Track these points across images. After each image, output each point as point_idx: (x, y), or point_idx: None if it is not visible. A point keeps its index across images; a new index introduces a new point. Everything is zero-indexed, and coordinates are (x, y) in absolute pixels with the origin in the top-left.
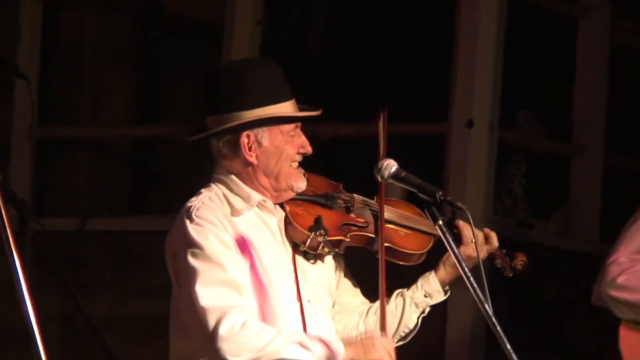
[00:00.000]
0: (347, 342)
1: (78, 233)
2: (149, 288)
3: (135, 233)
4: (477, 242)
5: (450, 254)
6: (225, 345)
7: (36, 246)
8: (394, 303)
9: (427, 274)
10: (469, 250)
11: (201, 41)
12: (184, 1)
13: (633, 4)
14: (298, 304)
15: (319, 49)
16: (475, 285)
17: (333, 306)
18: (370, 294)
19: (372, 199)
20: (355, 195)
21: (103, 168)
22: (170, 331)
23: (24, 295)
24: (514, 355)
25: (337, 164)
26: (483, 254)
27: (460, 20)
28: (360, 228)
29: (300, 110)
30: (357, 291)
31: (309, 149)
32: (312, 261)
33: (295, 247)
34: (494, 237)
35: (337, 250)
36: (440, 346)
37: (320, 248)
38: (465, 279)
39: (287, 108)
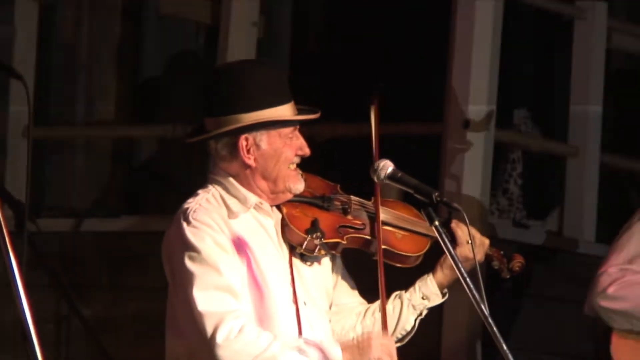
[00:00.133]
0: (344, 345)
1: (74, 233)
2: (145, 288)
3: (132, 233)
4: (473, 242)
5: (446, 256)
6: (222, 352)
7: (32, 246)
8: (392, 305)
9: (425, 276)
10: (465, 251)
11: (197, 42)
12: (179, 1)
13: (628, 5)
14: (294, 307)
15: (316, 49)
16: (471, 285)
17: (330, 307)
18: (367, 294)
19: (369, 200)
20: (352, 197)
21: (99, 168)
22: (166, 331)
23: (20, 296)
24: (510, 356)
25: (334, 164)
26: (480, 255)
27: (456, 20)
28: (357, 230)
29: (299, 111)
30: (355, 292)
31: (307, 151)
32: (308, 263)
33: (292, 249)
34: (480, 237)
35: (333, 252)
36: (436, 347)
37: (316, 250)
38: (461, 279)
39: (285, 111)
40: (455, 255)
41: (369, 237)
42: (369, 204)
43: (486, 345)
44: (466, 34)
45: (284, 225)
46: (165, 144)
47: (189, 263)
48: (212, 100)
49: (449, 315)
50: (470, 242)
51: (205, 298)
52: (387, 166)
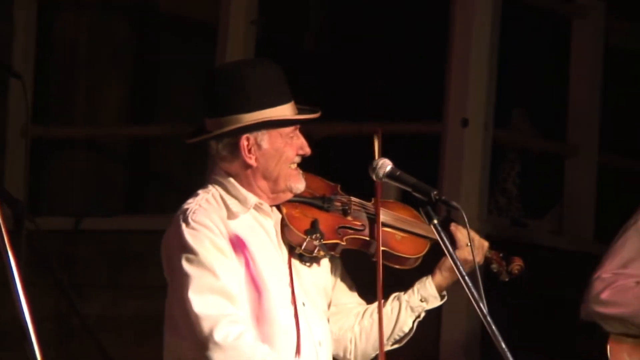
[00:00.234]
0: None
1: (73, 232)
2: (144, 287)
3: (131, 232)
4: (472, 245)
5: (446, 258)
6: (216, 355)
7: (31, 245)
8: (390, 307)
9: (424, 278)
10: (464, 253)
11: (196, 40)
12: (179, 0)
13: (627, 4)
14: (292, 307)
15: (315, 48)
16: (470, 284)
17: (329, 307)
18: (366, 293)
19: (369, 200)
20: (353, 198)
21: (98, 167)
22: (164, 330)
23: (19, 294)
24: (508, 355)
25: (332, 163)
26: (479, 257)
27: (454, 20)
28: (357, 231)
29: (300, 111)
30: (354, 292)
31: (307, 150)
32: (307, 264)
33: (291, 250)
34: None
35: (332, 253)
36: (435, 348)
37: (315, 251)
38: (460, 278)
39: (286, 111)
40: (453, 254)
41: (368, 239)
42: (369, 205)
43: (485, 344)
44: (465, 33)
45: (283, 226)
46: (164, 143)
47: (186, 265)
48: (213, 100)
49: (448, 313)
50: (469, 244)
51: (201, 300)
52: (385, 164)
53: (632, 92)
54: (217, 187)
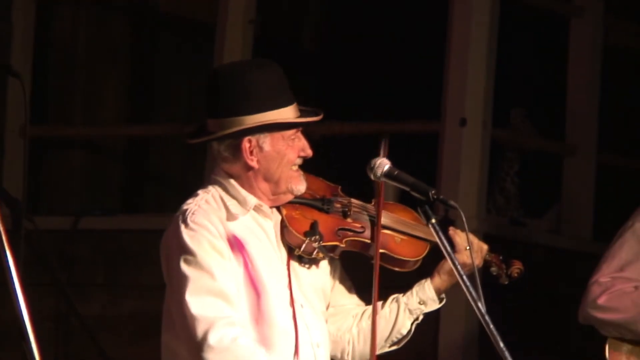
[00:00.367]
0: None
1: (71, 232)
2: (143, 286)
3: (129, 232)
4: (471, 247)
5: (445, 261)
6: (211, 357)
7: (30, 245)
8: (388, 308)
9: (423, 281)
10: (463, 257)
11: (195, 39)
12: (177, 0)
13: (625, 3)
14: (291, 309)
15: (313, 47)
16: (468, 283)
17: (327, 308)
18: (364, 295)
19: (370, 201)
20: (353, 200)
21: (96, 167)
22: (162, 329)
23: (17, 294)
24: (507, 354)
25: (330, 162)
26: (478, 261)
27: (453, 19)
28: (356, 233)
29: (301, 112)
30: (352, 294)
31: (309, 152)
32: (306, 265)
33: (290, 251)
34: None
35: (332, 255)
36: (433, 348)
37: (315, 253)
38: (459, 278)
39: (288, 113)
40: (451, 253)
41: (368, 241)
42: (370, 206)
43: (483, 344)
44: (463, 32)
45: (282, 227)
46: (162, 143)
47: (184, 266)
48: (215, 101)
49: (446, 314)
50: (468, 248)
51: (197, 302)
52: (383, 164)
53: (631, 91)
54: (217, 187)
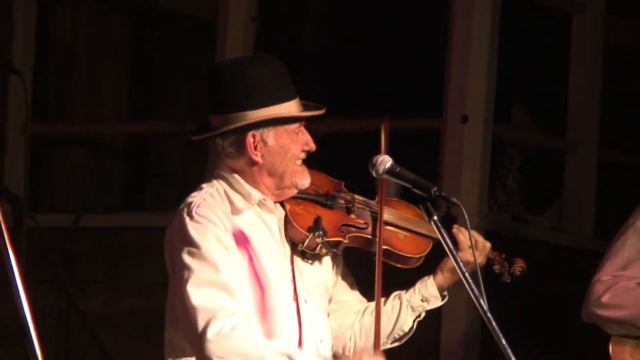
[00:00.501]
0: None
1: (73, 229)
2: (144, 284)
3: (130, 229)
4: (475, 245)
5: (448, 259)
6: (212, 347)
7: (31, 242)
8: (391, 305)
9: (426, 278)
10: (466, 255)
11: (195, 37)
12: None
13: (626, 2)
14: (294, 304)
15: (314, 45)
16: (470, 279)
17: (329, 304)
18: (367, 291)
19: (372, 198)
20: (357, 196)
21: (97, 164)
22: (165, 324)
23: (18, 291)
24: (509, 351)
25: (332, 160)
26: (481, 259)
27: (454, 16)
28: (360, 229)
29: (304, 107)
30: (355, 290)
31: (313, 146)
32: (309, 261)
33: (294, 247)
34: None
35: (335, 251)
36: (435, 345)
37: (318, 248)
38: (461, 275)
39: (291, 107)
40: (453, 250)
41: (370, 237)
42: (373, 203)
43: (485, 341)
44: (465, 29)
45: (286, 222)
46: (163, 140)
47: (188, 258)
48: (218, 97)
49: (448, 311)
50: (471, 246)
51: (199, 293)
52: (385, 161)
53: (632, 88)
54: (221, 182)
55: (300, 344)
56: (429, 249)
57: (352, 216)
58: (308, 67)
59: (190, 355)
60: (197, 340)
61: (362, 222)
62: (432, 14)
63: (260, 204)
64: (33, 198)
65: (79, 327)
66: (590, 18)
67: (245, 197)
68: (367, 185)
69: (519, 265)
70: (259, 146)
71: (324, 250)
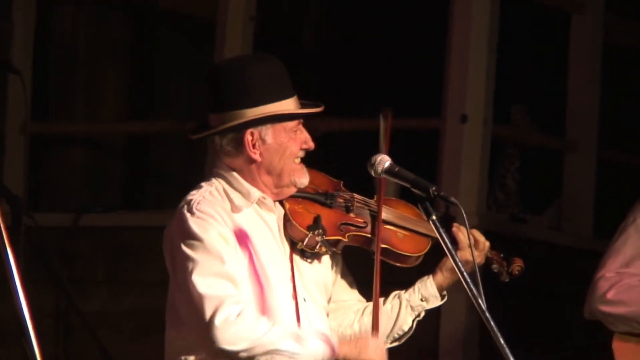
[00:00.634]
0: (342, 341)
1: (72, 228)
2: (143, 283)
3: (129, 228)
4: (475, 244)
5: (447, 258)
6: (221, 335)
7: (30, 242)
8: (390, 304)
9: (425, 277)
10: (466, 254)
11: (195, 37)
12: None
13: (625, 2)
14: (293, 302)
15: (313, 44)
16: (468, 279)
17: (328, 303)
18: (366, 291)
19: (371, 197)
20: (356, 195)
21: (97, 163)
22: (166, 323)
23: (17, 291)
24: (507, 350)
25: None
26: (480, 258)
27: (453, 15)
28: (359, 228)
29: (302, 106)
30: (354, 289)
31: (311, 145)
32: (309, 260)
33: (293, 245)
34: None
35: (334, 249)
36: (434, 344)
37: (317, 247)
38: (459, 274)
39: (289, 105)
40: (452, 250)
41: (370, 236)
42: (372, 202)
43: (484, 340)
44: (464, 29)
45: (286, 221)
46: (163, 140)
47: (190, 251)
48: (216, 96)
49: (447, 310)
50: (470, 245)
51: (205, 283)
52: (384, 160)
53: (632, 88)
54: (220, 180)
55: None
56: (428, 248)
57: (351, 215)
58: (308, 66)
59: (190, 355)
60: (204, 328)
61: (361, 221)
62: (432, 14)
63: (260, 202)
64: (32, 197)
65: (78, 326)
66: (590, 18)
67: (245, 195)
68: (366, 185)
69: (517, 265)
70: (257, 144)
71: (323, 249)
